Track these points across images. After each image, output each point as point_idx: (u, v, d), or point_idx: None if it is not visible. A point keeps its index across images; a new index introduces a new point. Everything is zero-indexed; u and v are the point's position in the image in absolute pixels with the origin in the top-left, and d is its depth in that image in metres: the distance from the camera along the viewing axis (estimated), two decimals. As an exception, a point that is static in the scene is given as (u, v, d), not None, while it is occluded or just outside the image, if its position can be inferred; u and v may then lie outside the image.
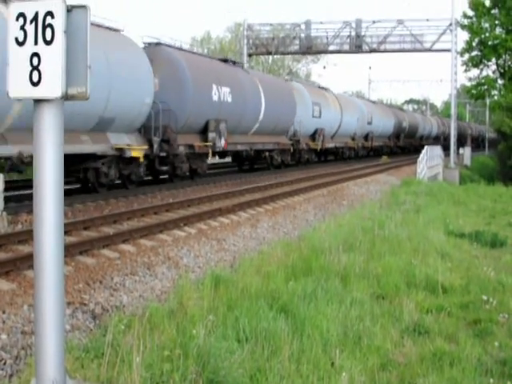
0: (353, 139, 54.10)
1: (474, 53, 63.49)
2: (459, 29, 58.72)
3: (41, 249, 4.48)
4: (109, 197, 19.93)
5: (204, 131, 26.82)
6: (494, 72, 65.70)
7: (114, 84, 20.19)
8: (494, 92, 66.86)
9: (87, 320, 9.42)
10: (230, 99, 28.86)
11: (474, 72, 64.77)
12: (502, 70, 64.92)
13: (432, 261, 13.57)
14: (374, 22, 55.80)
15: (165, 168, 24.66)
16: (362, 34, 55.66)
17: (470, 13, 63.89)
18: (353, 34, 55.84)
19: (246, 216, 18.71)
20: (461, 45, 60.96)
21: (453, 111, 54.78)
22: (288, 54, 64.62)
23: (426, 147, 41.62)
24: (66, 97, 4.57)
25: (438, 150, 49.62)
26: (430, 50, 55.09)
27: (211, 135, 26.64)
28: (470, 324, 10.31)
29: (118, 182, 21.93)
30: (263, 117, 32.85)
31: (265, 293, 10.37)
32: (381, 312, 10.11)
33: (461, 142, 68.65)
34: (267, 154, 35.11)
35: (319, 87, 51.36)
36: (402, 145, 62.54)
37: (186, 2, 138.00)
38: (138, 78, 22.07)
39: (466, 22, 63.15)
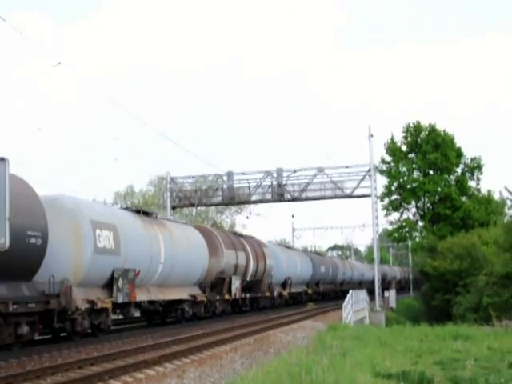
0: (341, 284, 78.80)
1: (394, 197, 65.53)
2: (378, 174, 60.52)
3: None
4: (32, 353, 19.52)
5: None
6: (414, 214, 67.70)
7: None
8: (415, 234, 68.58)
9: None
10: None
11: (395, 215, 66.61)
12: (421, 212, 66.90)
13: (360, 403, 13.54)
14: (294, 170, 57.10)
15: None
16: (284, 182, 56.82)
17: (388, 158, 66.26)
18: (274, 183, 56.97)
19: (172, 367, 18.45)
20: (381, 189, 62.77)
21: (375, 255, 55.75)
22: (211, 205, 65.43)
23: (350, 291, 42.06)
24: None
25: (363, 294, 50.17)
26: (350, 196, 56.37)
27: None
28: None
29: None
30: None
31: None
32: None
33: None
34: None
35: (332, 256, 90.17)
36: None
37: (108, 157, 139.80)
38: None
39: (384, 167, 65.38)
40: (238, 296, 39.17)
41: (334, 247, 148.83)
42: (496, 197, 65.77)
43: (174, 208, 60.57)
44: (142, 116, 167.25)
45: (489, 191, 67.85)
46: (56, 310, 21.27)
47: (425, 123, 67.02)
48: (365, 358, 21.50)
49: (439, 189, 63.84)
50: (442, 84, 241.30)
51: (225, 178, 58.72)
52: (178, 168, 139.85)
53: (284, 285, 52.14)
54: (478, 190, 67.37)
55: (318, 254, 78.53)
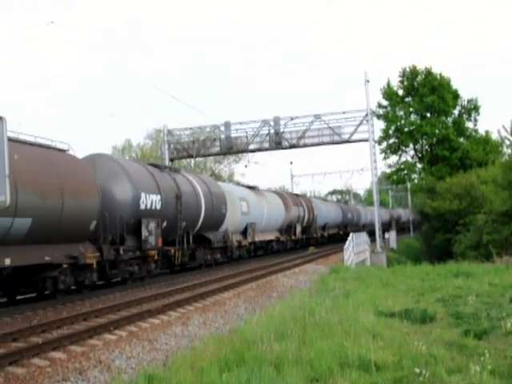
0: (363, 226, 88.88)
1: (392, 140, 65.37)
2: (375, 118, 60.31)
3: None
4: (36, 307, 19.66)
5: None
6: (412, 157, 67.68)
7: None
8: (414, 176, 68.66)
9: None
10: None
11: (393, 158, 66.52)
12: (419, 155, 66.85)
13: (364, 341, 13.65)
14: (291, 118, 56.90)
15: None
16: (281, 130, 56.63)
17: (385, 102, 66.05)
18: (272, 131, 56.82)
19: (177, 315, 18.62)
20: (378, 134, 62.60)
21: (375, 198, 55.85)
22: (209, 155, 65.20)
23: (351, 234, 42.26)
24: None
25: (363, 236, 50.40)
26: (348, 141, 56.15)
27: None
28: (405, 397, 10.39)
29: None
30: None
31: (199, 387, 10.34)
32: (315, 394, 10.11)
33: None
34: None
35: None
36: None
37: (105, 112, 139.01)
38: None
39: (381, 111, 65.18)
40: (299, 237, 57.57)
41: (334, 192, 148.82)
42: (494, 137, 65.65)
43: (172, 160, 60.47)
44: (138, 70, 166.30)
45: (486, 131, 67.78)
46: (229, 247, 38.18)
47: (421, 67, 66.84)
48: (367, 298, 21.68)
49: (437, 131, 63.77)
50: (437, 27, 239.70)
51: (222, 129, 58.54)
52: (175, 120, 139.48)
53: (324, 228, 69.36)
54: (476, 131, 67.38)
55: (345, 203, 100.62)
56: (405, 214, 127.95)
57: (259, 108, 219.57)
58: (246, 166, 70.95)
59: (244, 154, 70.25)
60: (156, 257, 27.64)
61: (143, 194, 26.80)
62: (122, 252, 24.75)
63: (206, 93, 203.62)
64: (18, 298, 22.08)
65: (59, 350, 13.52)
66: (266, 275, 30.60)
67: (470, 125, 66.99)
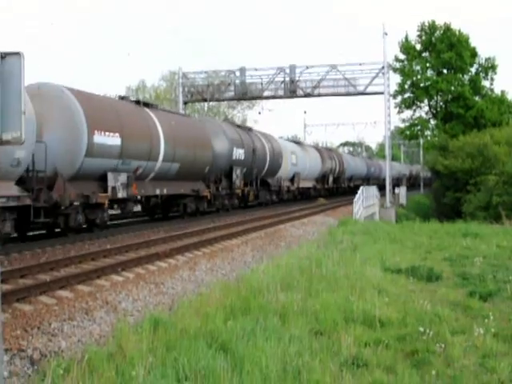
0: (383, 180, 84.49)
1: (407, 95, 64.72)
2: (391, 72, 59.68)
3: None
4: (45, 245, 19.74)
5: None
6: (426, 113, 67.00)
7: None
8: (427, 132, 68.08)
9: (25, 366, 9.33)
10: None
11: (407, 113, 65.95)
12: (434, 111, 66.20)
13: (369, 296, 13.73)
14: (307, 67, 56.38)
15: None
16: (296, 79, 56.14)
17: (402, 56, 65.32)
18: (287, 79, 56.34)
19: (184, 259, 18.69)
20: (393, 87, 61.98)
21: (387, 152, 55.55)
22: (223, 100, 64.84)
23: (361, 187, 42.17)
24: (1, 142, 4.50)
25: (373, 190, 50.31)
26: (363, 93, 55.61)
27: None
28: (408, 355, 10.45)
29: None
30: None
31: (204, 333, 10.40)
32: (319, 347, 10.17)
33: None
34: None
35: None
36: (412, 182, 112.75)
37: (120, 51, 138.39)
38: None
39: (397, 65, 64.48)
40: (331, 186, 65.52)
41: (346, 144, 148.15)
42: (509, 97, 65.00)
43: (185, 103, 60.16)
44: (155, 11, 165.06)
45: (502, 91, 67.10)
46: (281, 190, 47.95)
47: (440, 23, 65.99)
48: (374, 253, 21.74)
49: (452, 88, 63.11)
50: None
51: (237, 74, 58.08)
52: (191, 63, 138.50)
53: (350, 179, 76.57)
54: (492, 90, 66.66)
55: (369, 158, 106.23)
56: (422, 169, 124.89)
57: (275, 55, 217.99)
58: (259, 113, 70.93)
59: (258, 101, 69.99)
60: (240, 194, 38.30)
61: (234, 148, 36.92)
62: (220, 189, 35.13)
63: (223, 37, 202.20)
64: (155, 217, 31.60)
65: (66, 288, 13.61)
66: (275, 224, 30.66)
67: (486, 84, 66.27)
